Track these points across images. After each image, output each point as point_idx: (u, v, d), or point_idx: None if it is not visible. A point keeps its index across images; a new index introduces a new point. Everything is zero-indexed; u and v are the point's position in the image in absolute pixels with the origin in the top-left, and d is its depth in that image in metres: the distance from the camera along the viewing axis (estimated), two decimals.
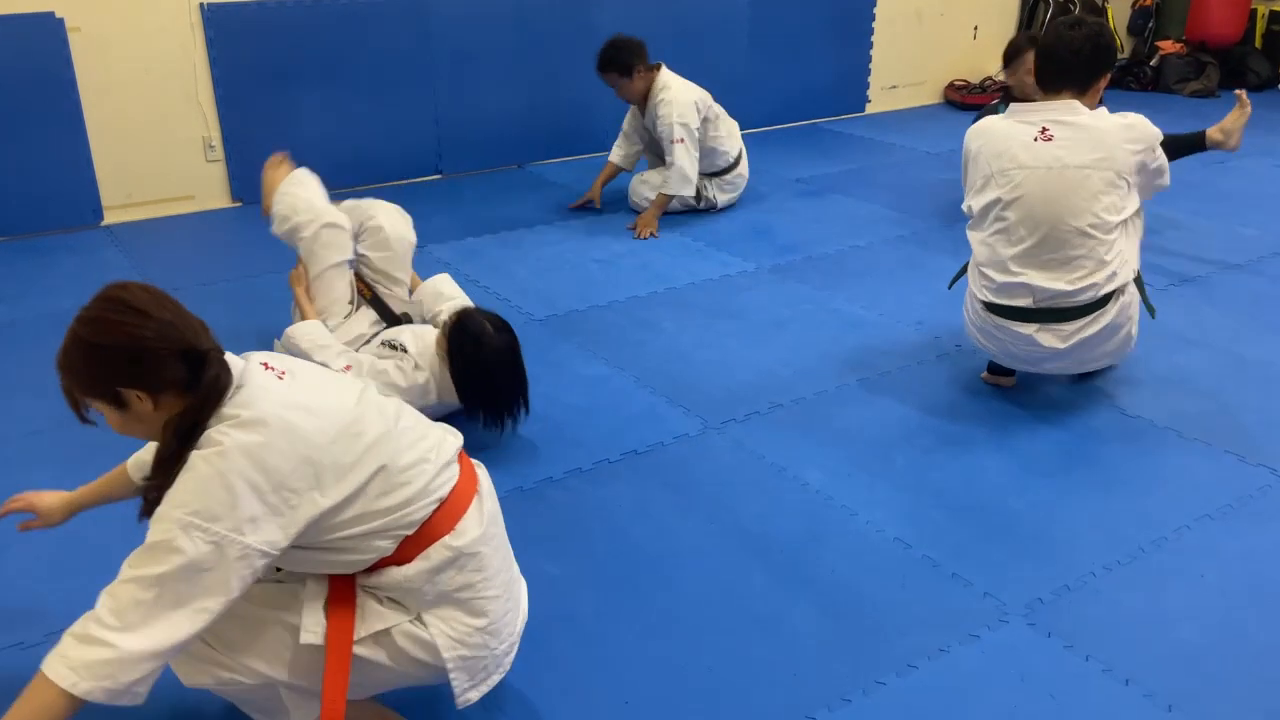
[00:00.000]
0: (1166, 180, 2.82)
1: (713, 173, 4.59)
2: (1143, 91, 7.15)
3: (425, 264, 4.00)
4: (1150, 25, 7.56)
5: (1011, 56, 4.28)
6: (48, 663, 1.37)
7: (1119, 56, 7.35)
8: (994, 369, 3.04)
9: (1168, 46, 7.19)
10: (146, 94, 4.42)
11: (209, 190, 4.69)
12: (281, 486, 1.41)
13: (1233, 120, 3.69)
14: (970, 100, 6.61)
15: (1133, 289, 2.75)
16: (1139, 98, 6.98)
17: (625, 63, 4.32)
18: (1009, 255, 2.70)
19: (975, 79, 6.86)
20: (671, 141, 4.32)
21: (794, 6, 6.02)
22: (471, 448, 1.98)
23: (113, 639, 1.35)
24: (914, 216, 4.57)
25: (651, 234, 4.34)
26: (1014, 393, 3.00)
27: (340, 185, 4.93)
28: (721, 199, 4.64)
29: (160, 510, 1.40)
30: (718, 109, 4.51)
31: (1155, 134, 2.72)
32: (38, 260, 4.10)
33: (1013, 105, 2.85)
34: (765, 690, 1.91)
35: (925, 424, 2.84)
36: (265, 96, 4.64)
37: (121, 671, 1.35)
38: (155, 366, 1.42)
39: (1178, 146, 3.81)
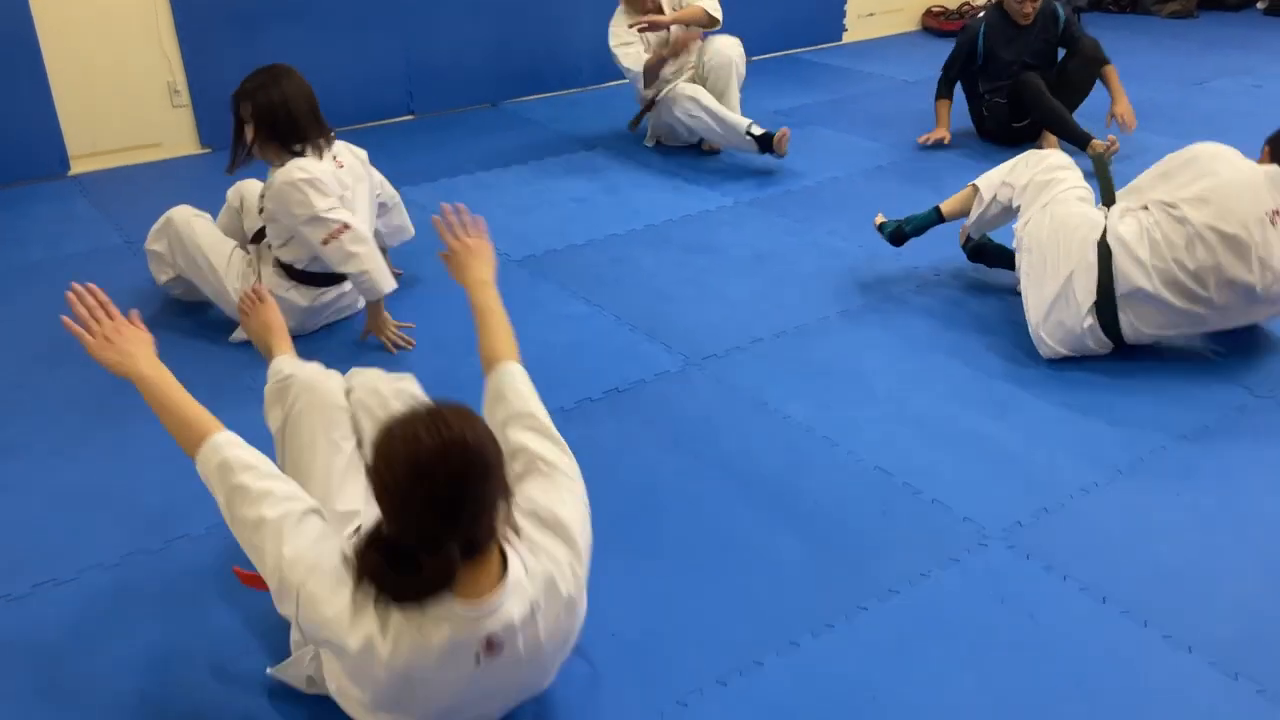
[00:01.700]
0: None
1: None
2: (1121, 13, 7.08)
3: (404, 203, 3.96)
4: None
5: None
6: None
7: None
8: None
9: None
10: (107, 38, 4.30)
11: (176, 137, 4.60)
12: None
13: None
14: (948, 26, 6.52)
15: None
16: (1118, 20, 6.91)
17: None
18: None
19: (953, 4, 6.77)
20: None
21: None
22: (450, 389, 1.98)
23: None
24: (892, 147, 4.53)
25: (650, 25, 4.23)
26: (989, 322, 3.01)
27: None
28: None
29: None
30: None
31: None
32: (7, 212, 4.02)
33: None
34: (750, 618, 1.94)
35: (904, 354, 2.86)
36: (230, 38, 4.53)
37: None
38: None
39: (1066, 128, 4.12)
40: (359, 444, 1.90)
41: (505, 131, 4.93)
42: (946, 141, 4.45)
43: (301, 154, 2.83)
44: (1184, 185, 2.63)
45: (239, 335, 2.92)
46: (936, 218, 3.16)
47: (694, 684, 1.80)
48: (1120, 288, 2.62)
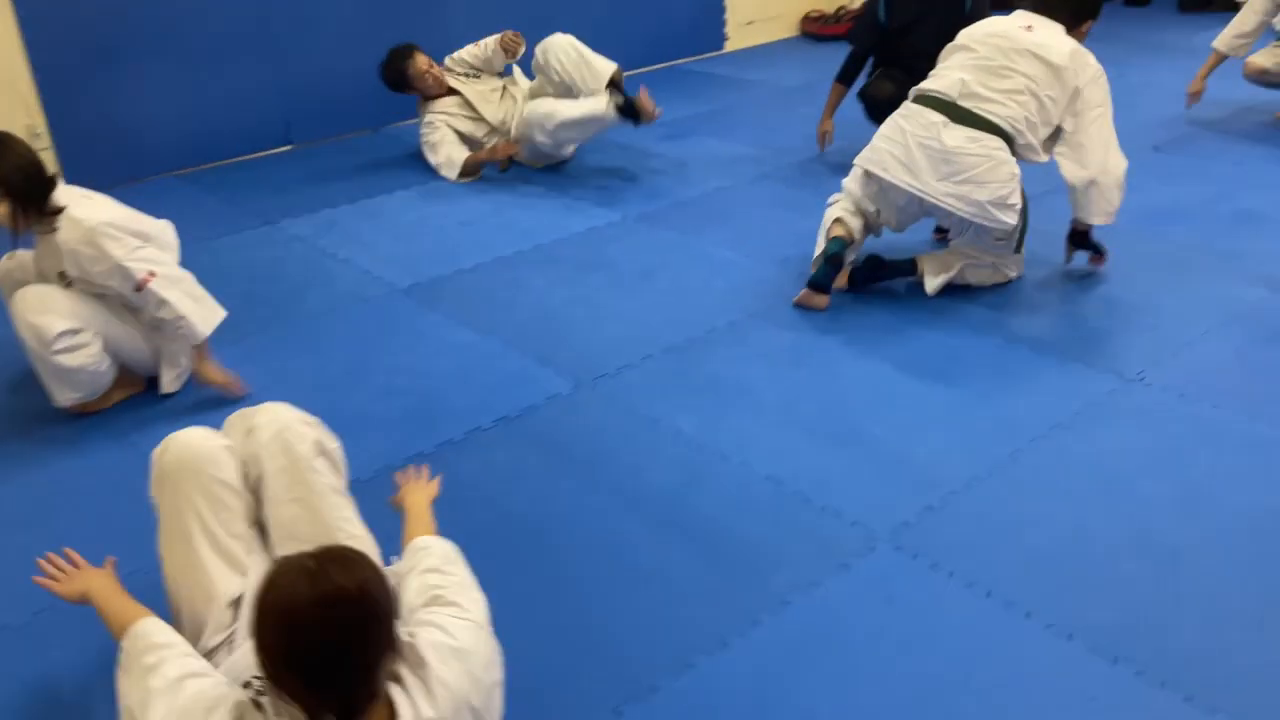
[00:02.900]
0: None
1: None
2: (996, 9, 7.30)
3: (280, 240, 3.87)
4: None
5: None
6: None
7: None
8: (812, 285, 3.15)
9: None
10: None
11: None
12: None
13: None
14: (826, 31, 6.66)
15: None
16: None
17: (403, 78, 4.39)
18: None
19: (830, 9, 6.90)
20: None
21: None
22: (338, 426, 1.93)
23: None
24: (775, 154, 4.59)
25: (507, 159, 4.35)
26: (871, 326, 3.07)
27: (185, 165, 4.71)
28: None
29: None
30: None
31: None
32: None
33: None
34: (648, 641, 1.94)
35: (791, 359, 2.89)
36: (90, 76, 4.36)
37: None
38: None
39: None
40: (255, 494, 1.81)
41: (388, 157, 4.84)
42: (829, 136, 4.37)
43: (58, 213, 2.56)
44: None
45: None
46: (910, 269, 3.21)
47: (590, 717, 1.78)
48: None
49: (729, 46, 6.62)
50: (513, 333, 3.12)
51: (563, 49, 4.29)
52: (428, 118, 4.44)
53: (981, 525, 2.20)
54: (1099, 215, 3.02)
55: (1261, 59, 4.64)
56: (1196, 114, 4.81)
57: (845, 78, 4.35)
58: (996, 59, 2.97)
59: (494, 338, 3.09)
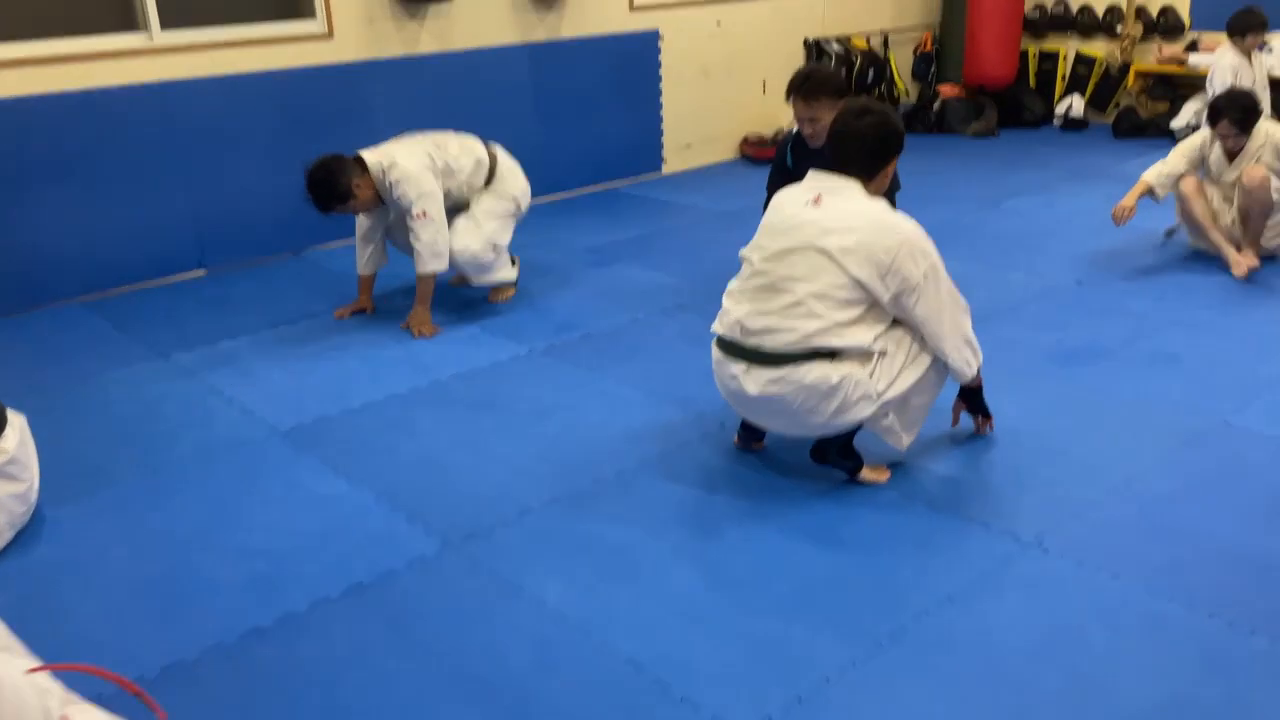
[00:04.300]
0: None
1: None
2: (929, 134, 7.40)
3: (168, 375, 3.71)
4: (932, 70, 7.86)
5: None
6: None
7: (905, 101, 7.61)
8: (743, 430, 3.00)
9: (948, 90, 7.48)
10: None
11: None
12: None
13: None
14: (764, 154, 6.68)
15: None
16: (925, 140, 7.22)
17: (341, 190, 3.87)
18: None
19: (768, 132, 6.95)
20: (413, 217, 3.94)
21: (576, 72, 5.98)
22: (176, 595, 1.72)
23: None
24: (695, 283, 4.51)
25: (428, 333, 4.04)
26: (764, 472, 2.91)
27: (89, 291, 4.57)
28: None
29: None
30: (443, 138, 4.17)
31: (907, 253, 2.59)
32: None
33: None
34: None
35: (675, 518, 2.72)
36: None
37: None
38: None
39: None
40: None
41: (304, 283, 4.73)
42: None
43: None
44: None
45: None
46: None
47: None
48: None
49: (667, 169, 6.64)
50: (388, 483, 2.94)
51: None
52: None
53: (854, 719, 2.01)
54: (960, 376, 2.80)
55: (1151, 176, 4.56)
56: (1122, 245, 4.79)
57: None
58: (776, 269, 2.63)
59: (367, 489, 2.91)
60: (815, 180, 2.70)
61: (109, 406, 3.49)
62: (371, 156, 3.94)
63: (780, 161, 4.18)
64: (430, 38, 5.41)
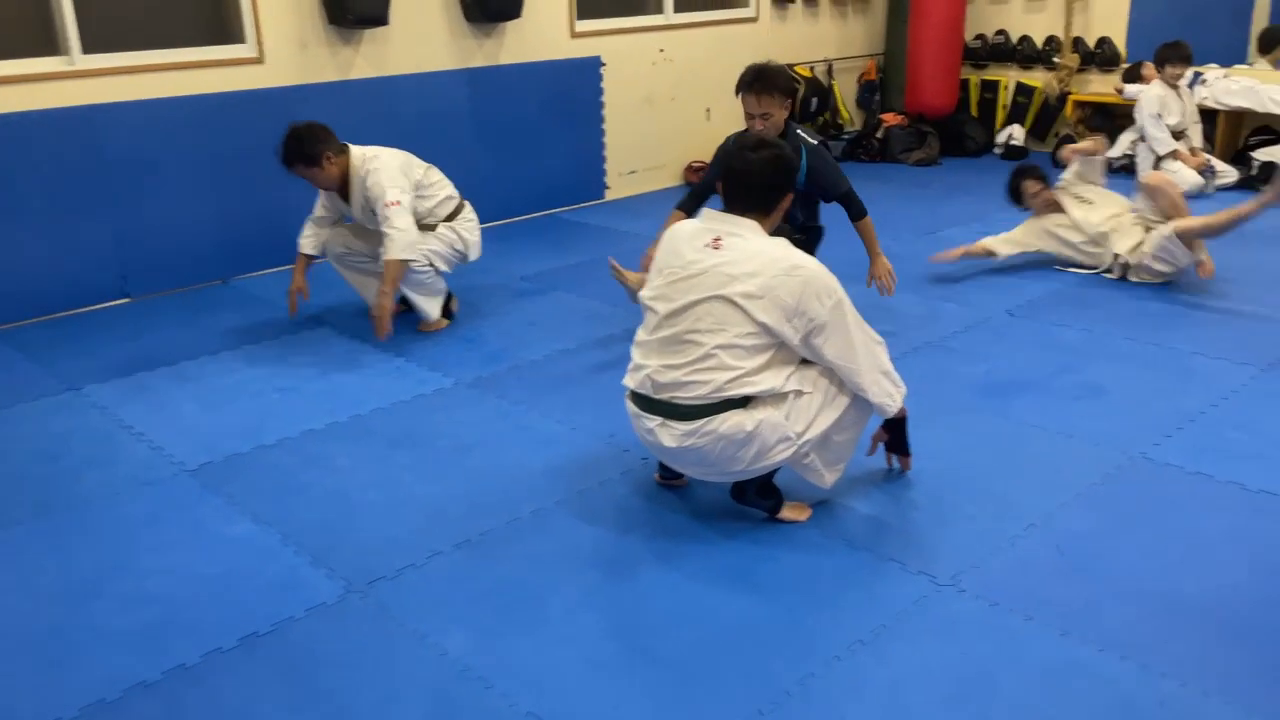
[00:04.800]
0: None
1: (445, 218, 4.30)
2: (871, 162, 7.44)
3: (78, 409, 3.59)
4: (876, 99, 7.92)
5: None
6: None
7: (849, 129, 7.66)
8: (663, 467, 2.95)
9: (891, 119, 7.53)
10: None
11: None
12: None
13: None
14: None
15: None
16: (869, 169, 7.25)
17: (310, 153, 3.90)
18: None
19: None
20: (386, 205, 3.92)
21: (517, 99, 5.93)
22: (61, 647, 1.62)
23: None
24: (629, 313, 4.45)
25: (386, 326, 3.96)
26: (687, 510, 2.86)
27: (6, 320, 4.43)
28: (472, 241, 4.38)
29: None
30: (426, 165, 4.24)
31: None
32: None
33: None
34: None
35: (589, 560, 2.65)
36: None
37: None
38: None
39: None
40: None
41: (229, 311, 4.62)
42: (629, 282, 3.98)
43: None
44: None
45: None
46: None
47: None
48: None
49: (610, 195, 6.61)
50: (296, 524, 2.84)
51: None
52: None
53: None
54: (884, 411, 2.74)
55: (992, 241, 4.91)
56: (1056, 276, 4.81)
57: (686, 205, 4.10)
58: (682, 322, 2.55)
59: (273, 531, 2.81)
60: (712, 222, 2.64)
61: (10, 443, 3.36)
62: (357, 148, 4.07)
63: (721, 160, 4.13)
64: (366, 62, 5.35)
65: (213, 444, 3.33)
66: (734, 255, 2.54)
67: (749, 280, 2.50)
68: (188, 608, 2.49)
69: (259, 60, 4.98)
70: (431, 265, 4.17)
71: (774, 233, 2.68)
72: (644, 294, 2.73)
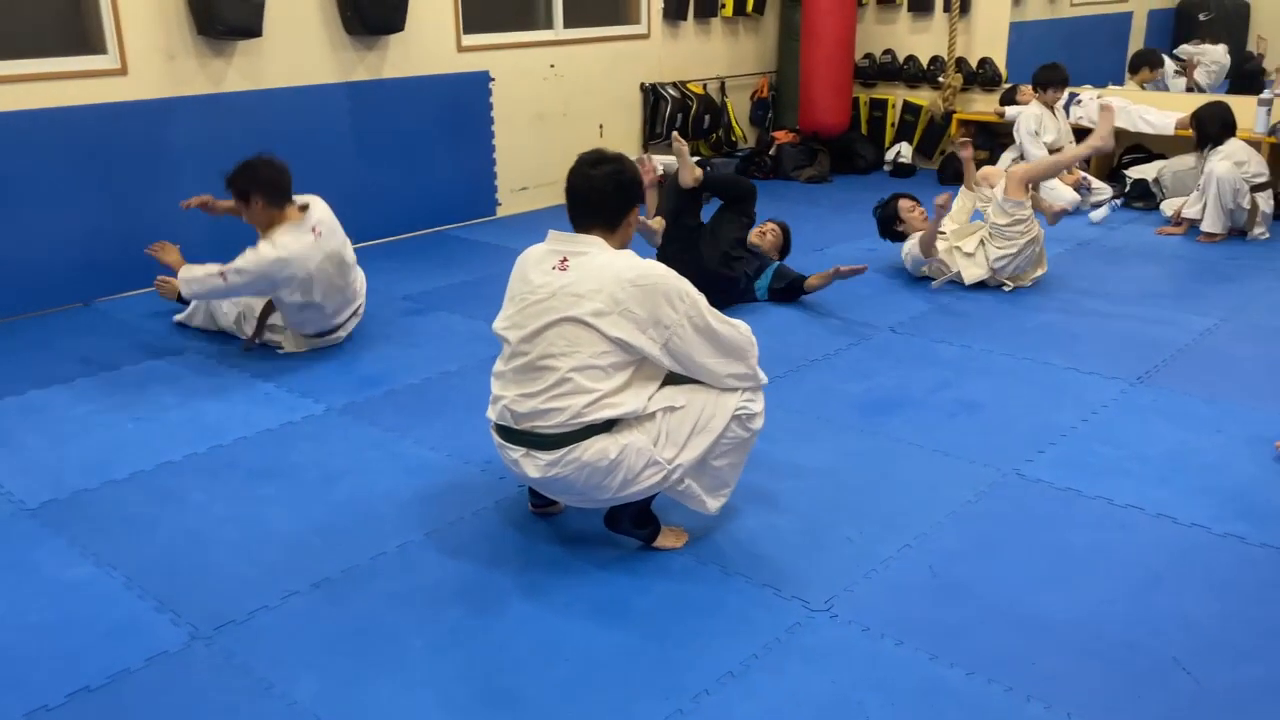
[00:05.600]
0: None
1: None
2: (764, 179, 7.47)
3: None
4: (769, 116, 7.98)
5: None
6: None
7: (743, 146, 7.69)
8: (534, 495, 2.87)
9: (783, 136, 7.59)
10: None
11: None
12: None
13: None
14: None
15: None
16: (761, 186, 7.25)
17: (251, 188, 3.86)
18: None
19: None
20: (249, 249, 3.89)
21: (401, 113, 5.78)
22: None
23: None
24: None
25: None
26: (560, 540, 2.77)
27: None
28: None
29: None
30: (357, 274, 4.24)
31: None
32: None
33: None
34: None
35: (454, 595, 2.54)
36: None
37: None
38: None
39: None
40: None
41: (89, 335, 4.37)
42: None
43: None
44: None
45: None
46: None
47: None
48: None
49: (502, 211, 6.50)
50: (141, 566, 2.66)
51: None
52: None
53: None
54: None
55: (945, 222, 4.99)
56: (940, 291, 4.88)
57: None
58: (534, 348, 2.47)
59: (116, 574, 2.63)
60: (558, 243, 2.57)
61: None
62: (305, 202, 3.99)
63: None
64: (239, 75, 5.14)
65: (58, 480, 3.12)
66: (580, 274, 2.47)
67: (596, 297, 2.43)
68: (14, 662, 2.30)
69: (122, 71, 4.74)
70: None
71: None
72: (496, 324, 2.66)
